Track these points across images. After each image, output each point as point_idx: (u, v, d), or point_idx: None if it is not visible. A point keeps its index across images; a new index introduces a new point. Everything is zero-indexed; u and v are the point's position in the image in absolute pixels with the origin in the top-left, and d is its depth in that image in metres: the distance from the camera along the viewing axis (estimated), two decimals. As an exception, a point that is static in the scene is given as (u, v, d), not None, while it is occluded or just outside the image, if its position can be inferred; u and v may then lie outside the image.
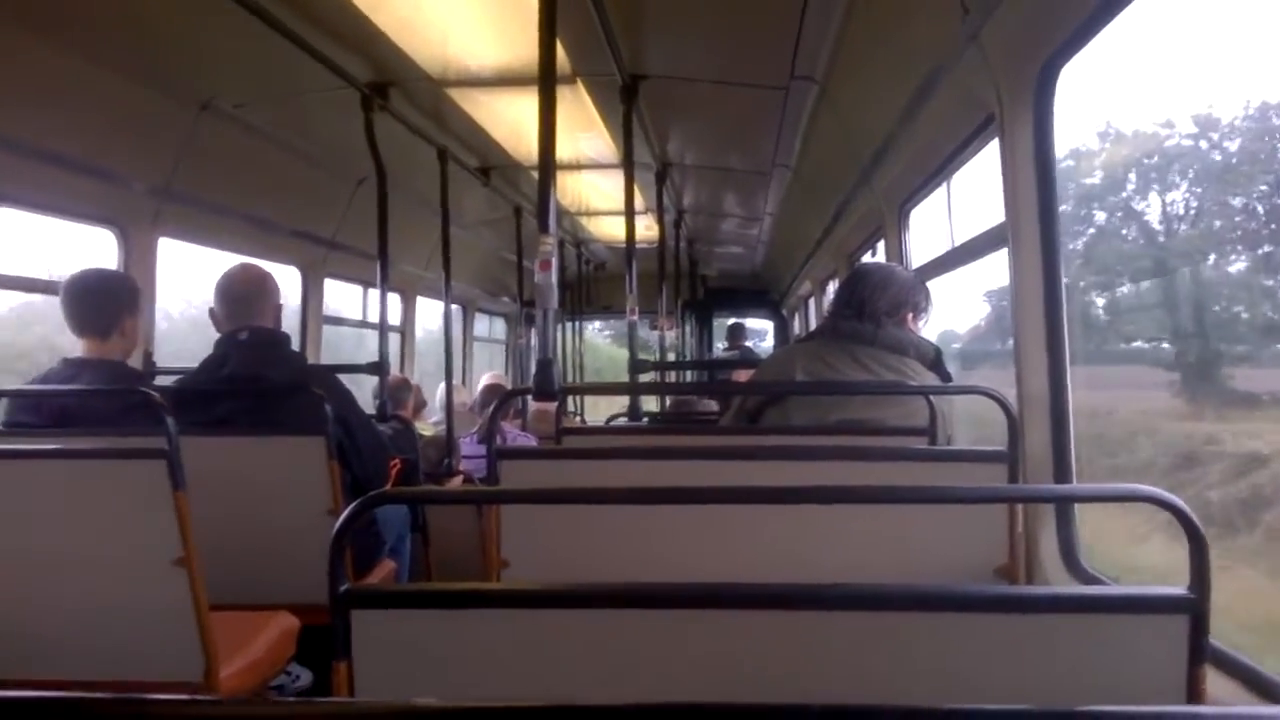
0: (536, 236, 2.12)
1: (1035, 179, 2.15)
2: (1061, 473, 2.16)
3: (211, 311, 3.08)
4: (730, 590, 1.17)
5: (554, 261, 2.12)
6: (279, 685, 2.66)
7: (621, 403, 3.94)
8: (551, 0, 2.18)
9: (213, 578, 2.22)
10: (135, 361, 3.16)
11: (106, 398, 2.74)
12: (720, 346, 11.12)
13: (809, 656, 1.17)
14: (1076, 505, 2.19)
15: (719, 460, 2.04)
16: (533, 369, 2.20)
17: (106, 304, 2.83)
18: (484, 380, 6.91)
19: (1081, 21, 1.87)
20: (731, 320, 11.16)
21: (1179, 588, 1.12)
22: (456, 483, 4.58)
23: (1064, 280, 2.16)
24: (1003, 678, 1.15)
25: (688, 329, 9.83)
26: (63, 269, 2.97)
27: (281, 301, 3.18)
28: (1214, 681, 1.26)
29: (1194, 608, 1.11)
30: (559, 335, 6.85)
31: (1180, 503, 1.11)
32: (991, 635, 1.15)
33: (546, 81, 2.15)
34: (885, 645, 1.17)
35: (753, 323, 11.91)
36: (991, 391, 2.17)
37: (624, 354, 4.71)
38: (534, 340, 8.18)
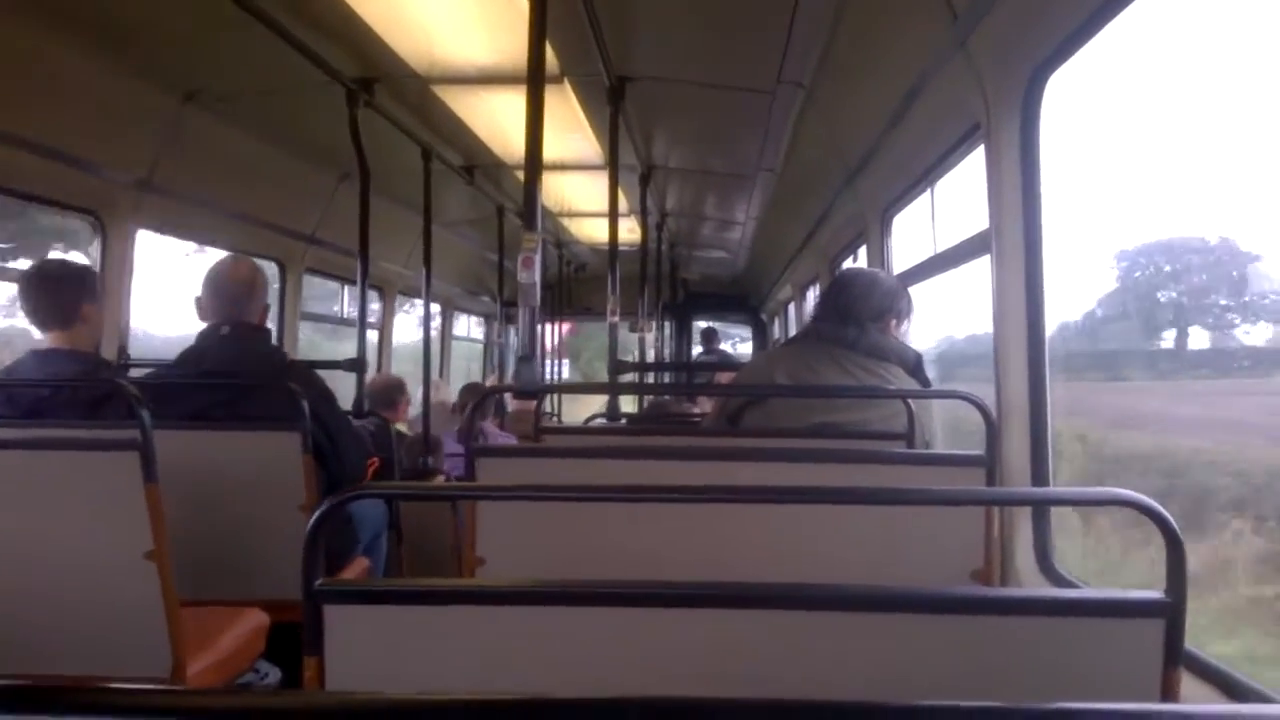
0: (519, 236, 2.12)
1: (1020, 187, 2.16)
2: (1038, 478, 2.17)
3: (198, 300, 3.03)
4: (706, 589, 1.16)
5: (537, 260, 2.11)
6: (247, 682, 2.63)
7: (601, 406, 3.92)
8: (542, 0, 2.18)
9: (183, 572, 2.19)
10: (109, 353, 3.11)
11: (79, 388, 2.70)
12: (696, 351, 11.13)
13: (785, 656, 1.17)
14: (1052, 510, 2.19)
15: (697, 461, 2.03)
16: (512, 368, 2.19)
17: (65, 293, 2.77)
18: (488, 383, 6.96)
19: (1071, 30, 1.88)
20: (704, 325, 11.17)
21: (1155, 591, 1.12)
22: (438, 482, 4.54)
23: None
24: (978, 680, 1.15)
25: (667, 332, 9.84)
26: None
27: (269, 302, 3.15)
28: (1188, 685, 1.26)
29: (1170, 611, 1.10)
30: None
31: (1157, 506, 1.10)
32: (968, 637, 1.15)
33: (534, 81, 2.15)
34: (860, 646, 1.16)
35: (724, 326, 11.94)
36: (970, 395, 2.17)
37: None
38: (513, 339, 8.16)
